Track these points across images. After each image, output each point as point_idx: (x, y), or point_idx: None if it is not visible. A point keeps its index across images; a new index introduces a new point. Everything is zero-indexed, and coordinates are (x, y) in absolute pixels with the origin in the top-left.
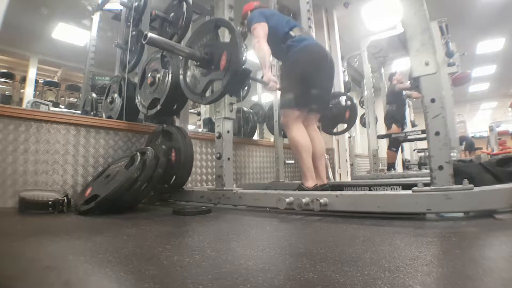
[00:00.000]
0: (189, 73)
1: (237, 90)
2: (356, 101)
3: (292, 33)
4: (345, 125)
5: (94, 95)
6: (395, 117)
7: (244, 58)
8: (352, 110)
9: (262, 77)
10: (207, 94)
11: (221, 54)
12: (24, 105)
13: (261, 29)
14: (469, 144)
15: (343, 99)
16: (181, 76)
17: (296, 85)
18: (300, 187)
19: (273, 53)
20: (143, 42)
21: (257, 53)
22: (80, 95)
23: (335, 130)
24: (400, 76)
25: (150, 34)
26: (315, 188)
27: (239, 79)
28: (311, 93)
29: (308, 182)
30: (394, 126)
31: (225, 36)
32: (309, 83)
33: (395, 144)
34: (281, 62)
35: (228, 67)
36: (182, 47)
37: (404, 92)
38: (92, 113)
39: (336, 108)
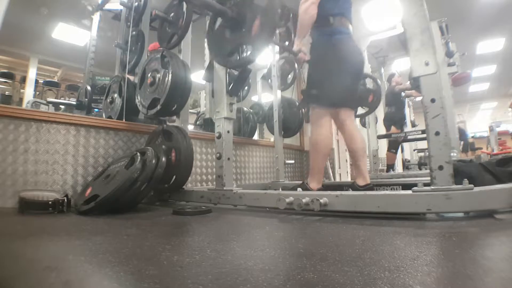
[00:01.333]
0: (215, 31)
1: (237, 90)
2: None
3: (331, 19)
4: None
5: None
6: (394, 119)
7: (276, 26)
8: (376, 94)
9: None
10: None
11: (254, 17)
12: (24, 105)
13: None
14: (466, 145)
15: (367, 81)
16: (207, 34)
17: (326, 81)
18: (303, 186)
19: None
20: None
21: (301, 14)
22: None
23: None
24: (399, 77)
25: None
26: (367, 189)
27: (243, 76)
28: (342, 90)
29: (313, 184)
30: (393, 128)
31: None
32: (340, 79)
33: (394, 145)
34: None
35: (260, 33)
36: (218, 5)
37: (403, 93)
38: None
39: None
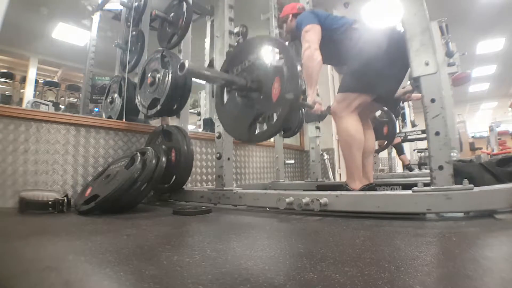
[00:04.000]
0: (226, 100)
1: None
2: None
3: (355, 26)
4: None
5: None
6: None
7: (301, 83)
8: (390, 125)
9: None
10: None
11: (271, 81)
12: (24, 105)
13: (314, 33)
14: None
15: (379, 114)
16: (217, 105)
17: (365, 67)
18: (344, 188)
19: (329, 59)
20: (179, 73)
21: (306, 62)
22: (80, 95)
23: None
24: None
25: (187, 65)
26: (363, 189)
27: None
28: (382, 77)
29: (355, 183)
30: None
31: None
32: (381, 66)
33: (399, 148)
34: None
35: (283, 97)
36: (227, 76)
37: (401, 104)
38: None
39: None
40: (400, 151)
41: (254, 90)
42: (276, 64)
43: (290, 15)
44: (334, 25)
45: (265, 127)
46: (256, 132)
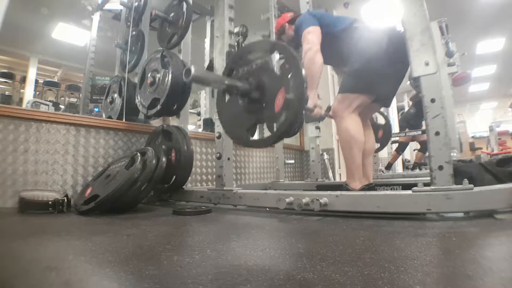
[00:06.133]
0: (228, 99)
1: None
2: None
3: (356, 25)
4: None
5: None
6: (409, 121)
7: (307, 99)
8: (386, 130)
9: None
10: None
11: (276, 90)
12: (24, 105)
13: (315, 35)
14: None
15: (376, 116)
16: (217, 103)
17: (365, 67)
18: (345, 188)
19: (329, 60)
20: (185, 79)
21: (307, 64)
22: (80, 95)
23: None
24: None
25: (193, 71)
26: (363, 189)
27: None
28: (382, 77)
29: (355, 183)
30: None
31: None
32: (381, 66)
33: (423, 146)
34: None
35: (287, 110)
36: (234, 81)
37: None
38: None
39: None
40: (424, 149)
41: (257, 98)
42: (283, 73)
43: (286, 24)
44: (334, 25)
45: (265, 132)
46: (255, 137)
